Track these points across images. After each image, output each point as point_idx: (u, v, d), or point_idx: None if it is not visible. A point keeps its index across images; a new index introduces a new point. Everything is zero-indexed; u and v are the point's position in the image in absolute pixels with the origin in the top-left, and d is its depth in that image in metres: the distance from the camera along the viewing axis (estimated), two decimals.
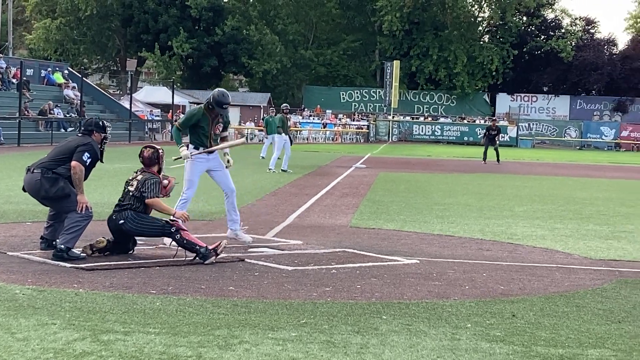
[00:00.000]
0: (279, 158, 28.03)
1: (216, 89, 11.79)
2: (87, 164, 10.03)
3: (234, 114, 73.77)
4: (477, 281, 9.40)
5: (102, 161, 10.40)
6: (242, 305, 7.72)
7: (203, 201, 16.23)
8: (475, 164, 38.73)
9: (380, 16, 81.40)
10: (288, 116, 30.07)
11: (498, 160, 38.97)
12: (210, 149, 11.59)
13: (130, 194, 10.16)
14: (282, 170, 27.39)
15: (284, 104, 31.86)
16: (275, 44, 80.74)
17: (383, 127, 78.02)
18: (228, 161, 11.80)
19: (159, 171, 10.44)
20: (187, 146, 11.61)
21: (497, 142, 39.96)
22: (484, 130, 44.07)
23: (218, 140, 11.72)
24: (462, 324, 7.30)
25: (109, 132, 10.53)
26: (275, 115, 31.74)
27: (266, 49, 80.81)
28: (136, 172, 10.43)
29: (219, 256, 9.94)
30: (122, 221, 10.04)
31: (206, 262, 9.79)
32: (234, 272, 9.36)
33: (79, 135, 10.47)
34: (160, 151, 10.48)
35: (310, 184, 23.03)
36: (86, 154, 10.00)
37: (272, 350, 6.22)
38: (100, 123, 10.53)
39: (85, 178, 10.08)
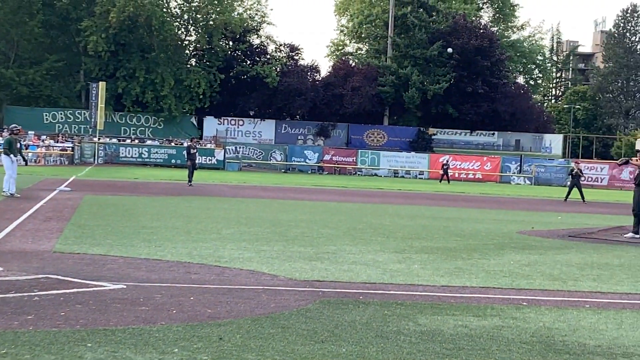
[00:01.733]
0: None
1: None
2: None
3: None
4: (185, 305, 9.37)
5: None
6: None
7: None
8: (181, 186, 38.78)
9: (85, 36, 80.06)
10: (18, 137, 28.68)
11: (190, 181, 39.61)
12: None
13: None
14: (5, 192, 26.39)
15: (14, 125, 30.26)
16: None
17: (88, 149, 76.48)
18: None
19: None
20: None
21: (196, 158, 40.70)
22: (185, 152, 44.56)
23: None
24: (169, 349, 7.23)
25: None
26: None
27: None
28: None
29: None
30: None
31: None
32: None
33: None
34: None
35: (12, 208, 22.15)
36: None
37: None
38: None
39: None
